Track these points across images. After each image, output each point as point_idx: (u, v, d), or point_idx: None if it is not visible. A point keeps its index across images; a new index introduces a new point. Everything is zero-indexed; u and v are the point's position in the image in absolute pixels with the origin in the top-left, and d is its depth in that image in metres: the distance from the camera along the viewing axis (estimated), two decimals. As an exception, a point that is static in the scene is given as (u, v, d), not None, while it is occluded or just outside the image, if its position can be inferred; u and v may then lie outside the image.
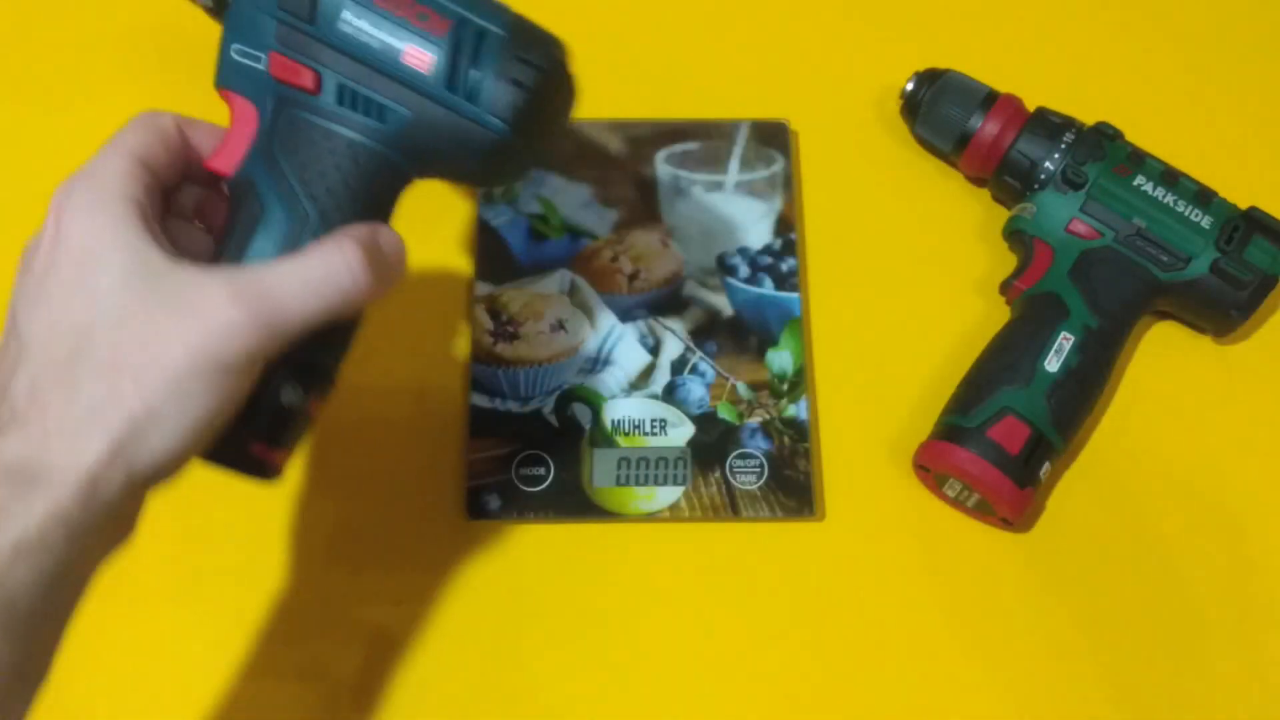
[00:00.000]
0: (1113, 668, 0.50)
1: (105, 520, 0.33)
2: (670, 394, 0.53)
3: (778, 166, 0.59)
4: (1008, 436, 0.49)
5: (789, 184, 0.58)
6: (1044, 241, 0.54)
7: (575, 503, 0.51)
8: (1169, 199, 0.53)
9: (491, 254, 0.56)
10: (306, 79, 0.38)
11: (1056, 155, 0.54)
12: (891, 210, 0.59)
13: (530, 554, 0.51)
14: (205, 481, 0.52)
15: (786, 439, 0.53)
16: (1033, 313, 0.53)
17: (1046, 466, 0.50)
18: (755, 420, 0.53)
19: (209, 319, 0.33)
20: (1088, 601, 0.51)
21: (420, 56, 0.37)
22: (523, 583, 0.51)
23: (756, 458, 0.52)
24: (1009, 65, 0.60)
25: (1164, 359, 0.56)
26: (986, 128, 0.56)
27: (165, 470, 0.34)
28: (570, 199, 0.57)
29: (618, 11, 0.64)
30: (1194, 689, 0.49)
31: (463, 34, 0.37)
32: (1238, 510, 0.53)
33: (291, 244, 0.37)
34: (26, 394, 0.33)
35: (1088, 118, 0.56)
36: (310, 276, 0.35)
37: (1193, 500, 0.53)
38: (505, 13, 0.38)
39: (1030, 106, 0.57)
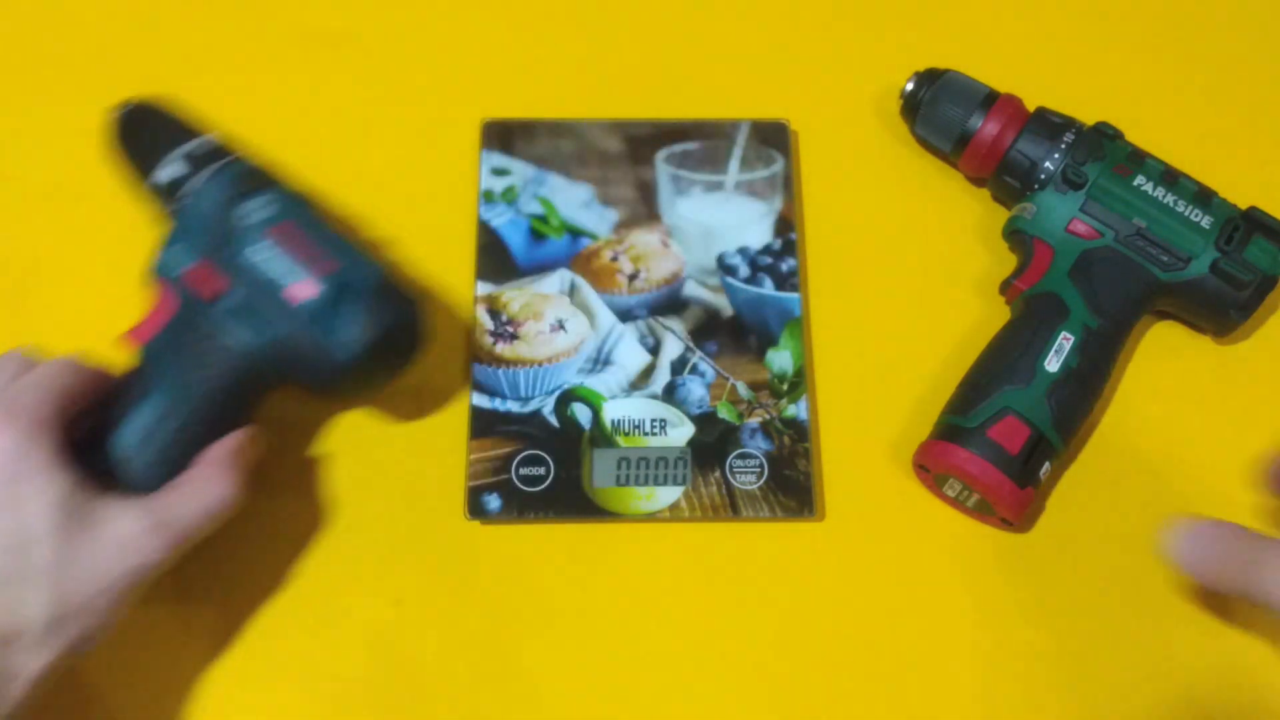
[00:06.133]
0: (1113, 667, 0.50)
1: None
2: (670, 394, 0.53)
3: (778, 166, 0.59)
4: (1008, 436, 0.49)
5: (789, 184, 0.58)
6: (1044, 241, 0.54)
7: (575, 503, 0.51)
8: (1169, 199, 0.53)
9: (491, 254, 0.56)
10: (214, 287, 0.46)
11: (1056, 155, 0.54)
12: (891, 210, 0.59)
13: (530, 554, 0.51)
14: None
15: (786, 439, 0.53)
16: (1033, 313, 0.53)
17: (1047, 466, 0.50)
18: (755, 420, 0.53)
19: (133, 551, 0.42)
20: (1088, 602, 0.51)
21: (303, 290, 0.46)
22: (523, 583, 0.51)
23: (756, 458, 0.52)
24: (1009, 65, 0.60)
25: (1164, 359, 0.56)
26: (986, 128, 0.56)
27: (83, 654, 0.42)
28: (570, 199, 0.57)
29: (618, 11, 0.64)
30: (1195, 687, 0.49)
31: (338, 282, 0.46)
32: (1238, 511, 0.53)
33: (169, 414, 0.45)
34: None
35: (1088, 118, 0.56)
36: (206, 503, 0.44)
37: (1193, 500, 0.53)
38: (377, 272, 0.47)
39: (1030, 106, 0.57)
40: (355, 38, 0.62)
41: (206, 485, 0.45)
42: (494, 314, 0.55)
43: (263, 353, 0.46)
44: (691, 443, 0.52)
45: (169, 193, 0.49)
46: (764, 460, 0.52)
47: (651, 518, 0.51)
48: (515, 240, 0.56)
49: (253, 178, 0.49)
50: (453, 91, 0.61)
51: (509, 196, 0.57)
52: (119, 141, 0.51)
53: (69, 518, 0.41)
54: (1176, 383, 0.55)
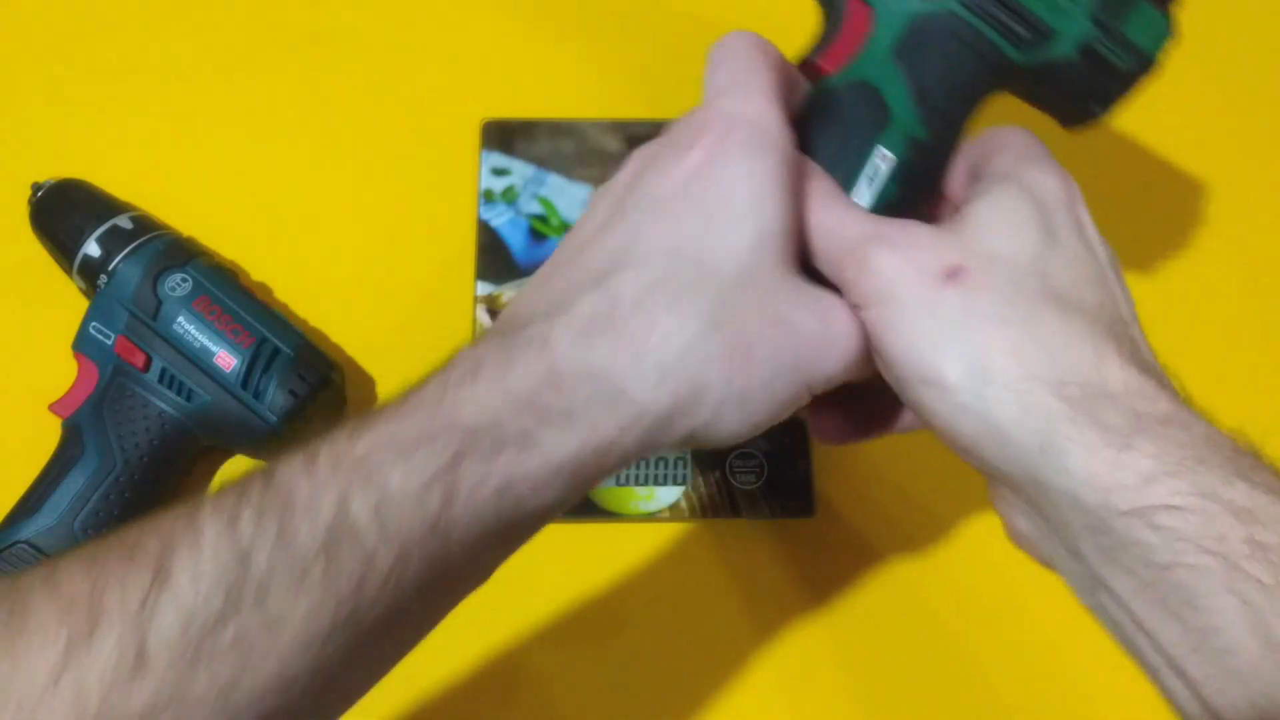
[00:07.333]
0: (1111, 663, 0.50)
1: (629, 458, 0.32)
2: (670, 394, 0.53)
3: (778, 166, 0.59)
4: None
5: (789, 184, 0.58)
6: (863, 2, 0.38)
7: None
8: None
9: (491, 254, 0.56)
10: (140, 359, 0.49)
11: None
12: (891, 210, 0.59)
13: (530, 554, 0.51)
14: (202, 479, 0.52)
15: (786, 439, 0.53)
16: (836, 114, 0.37)
17: None
18: (755, 420, 0.53)
19: (833, 331, 0.32)
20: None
21: (227, 359, 0.49)
22: (523, 583, 0.51)
23: (756, 457, 0.52)
24: None
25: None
26: None
27: (712, 446, 0.33)
28: (570, 199, 0.58)
29: (619, 11, 0.64)
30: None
31: (261, 349, 0.49)
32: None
33: (99, 480, 0.47)
34: (633, 303, 0.31)
35: None
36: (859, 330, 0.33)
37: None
38: (298, 338, 0.50)
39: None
40: (355, 38, 0.62)
41: (851, 316, 0.33)
42: (494, 314, 0.55)
43: (192, 418, 0.49)
44: (691, 443, 0.52)
45: (89, 274, 0.51)
46: (763, 460, 0.52)
47: (651, 518, 0.51)
48: (515, 240, 0.56)
49: (170, 255, 0.51)
50: (453, 91, 0.61)
51: (509, 196, 0.57)
52: (36, 225, 0.53)
53: (771, 258, 0.32)
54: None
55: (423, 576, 0.30)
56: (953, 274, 0.31)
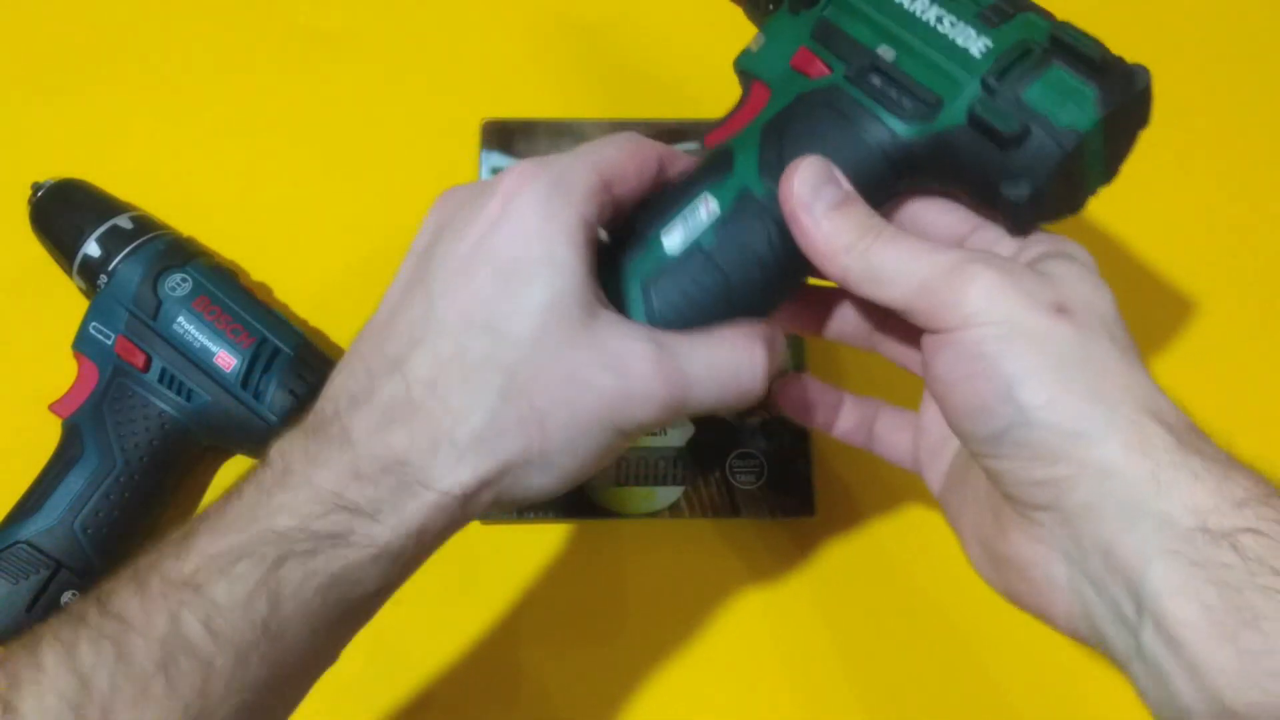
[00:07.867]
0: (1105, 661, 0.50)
1: (448, 532, 0.34)
2: (670, 394, 0.53)
3: (778, 166, 0.59)
4: None
5: (789, 184, 0.58)
6: (763, 83, 0.38)
7: (575, 503, 0.51)
8: (939, 17, 0.34)
9: (491, 254, 0.56)
10: (140, 360, 0.49)
11: None
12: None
13: (530, 554, 0.51)
14: (202, 479, 0.52)
15: (786, 439, 0.53)
16: (691, 175, 0.38)
17: None
18: (755, 420, 0.53)
19: (631, 384, 0.32)
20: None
21: (227, 359, 0.49)
22: (523, 583, 0.51)
23: (756, 458, 0.52)
24: None
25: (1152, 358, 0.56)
26: None
27: (524, 504, 0.34)
28: (570, 199, 0.57)
29: (618, 12, 0.64)
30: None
31: (261, 349, 0.49)
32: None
33: (99, 479, 0.47)
34: (426, 385, 0.32)
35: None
36: (722, 371, 0.34)
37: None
38: (298, 338, 0.51)
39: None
40: (355, 38, 0.62)
41: (733, 351, 0.34)
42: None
43: (192, 418, 0.49)
44: (691, 443, 0.52)
45: (89, 274, 0.51)
46: (764, 460, 0.52)
47: (651, 518, 0.51)
48: (515, 240, 0.56)
49: (171, 255, 0.51)
50: (453, 91, 0.61)
51: (509, 196, 0.57)
52: (36, 225, 0.53)
53: (564, 316, 0.32)
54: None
55: (264, 675, 0.31)
56: (1061, 309, 0.31)
